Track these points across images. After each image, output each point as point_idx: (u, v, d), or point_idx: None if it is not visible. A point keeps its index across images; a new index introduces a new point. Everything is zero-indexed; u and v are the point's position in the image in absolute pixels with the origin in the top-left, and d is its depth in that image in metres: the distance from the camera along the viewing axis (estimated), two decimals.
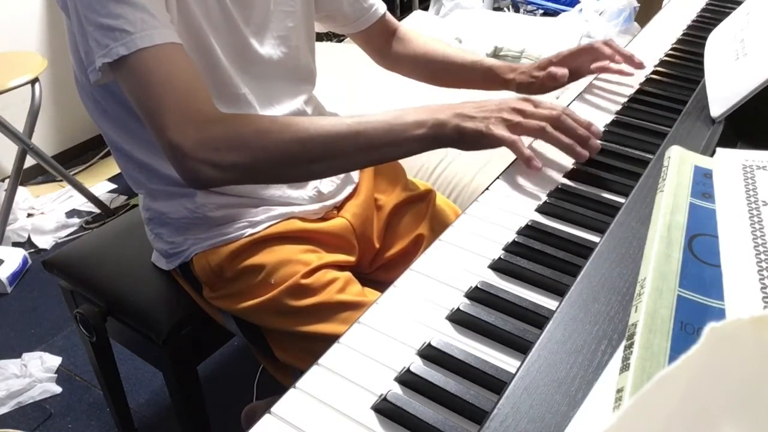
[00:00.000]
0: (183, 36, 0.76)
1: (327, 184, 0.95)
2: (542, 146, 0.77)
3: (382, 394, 0.49)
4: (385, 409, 0.49)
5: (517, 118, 0.73)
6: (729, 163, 0.54)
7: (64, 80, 2.31)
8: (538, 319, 0.55)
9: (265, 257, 0.85)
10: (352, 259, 0.92)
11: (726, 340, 0.24)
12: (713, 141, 0.71)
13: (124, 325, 1.01)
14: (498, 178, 0.76)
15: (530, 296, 0.58)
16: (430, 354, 0.53)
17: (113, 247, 1.09)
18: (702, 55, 0.90)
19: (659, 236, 0.47)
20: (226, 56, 0.83)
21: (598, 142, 0.75)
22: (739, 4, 0.94)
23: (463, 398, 0.48)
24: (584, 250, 0.62)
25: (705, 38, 0.94)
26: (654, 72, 0.97)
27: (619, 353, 0.43)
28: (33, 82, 1.93)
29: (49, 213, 2.15)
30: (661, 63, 1.00)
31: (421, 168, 1.47)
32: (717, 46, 0.88)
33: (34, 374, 1.54)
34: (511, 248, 0.64)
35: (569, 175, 0.75)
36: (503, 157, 0.75)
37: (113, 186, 2.31)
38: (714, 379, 0.25)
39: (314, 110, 0.98)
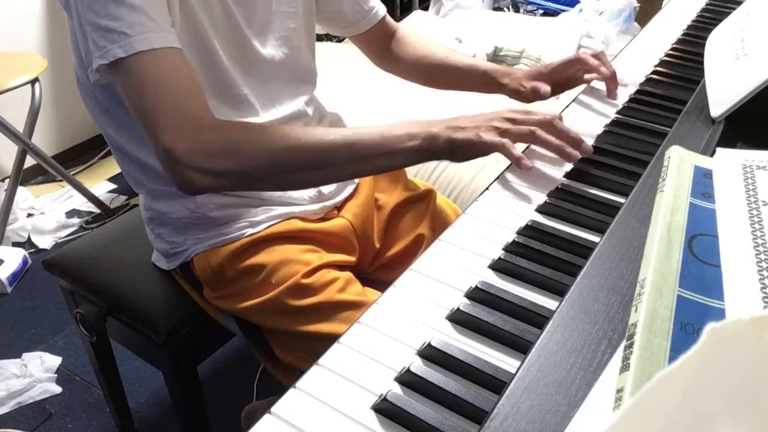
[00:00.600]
0: (185, 36, 0.77)
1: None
2: (541, 147, 0.77)
3: (382, 394, 0.49)
4: (385, 409, 0.49)
5: (507, 125, 0.74)
6: (729, 163, 0.54)
7: (64, 80, 2.31)
8: (538, 319, 0.55)
9: (266, 257, 0.85)
10: (352, 258, 0.92)
11: (726, 340, 0.24)
12: (713, 141, 0.71)
13: (124, 325, 1.01)
14: (498, 178, 0.76)
15: (530, 296, 0.58)
16: (430, 354, 0.53)
17: (113, 247, 1.08)
18: (702, 55, 0.90)
19: (659, 236, 0.47)
20: (228, 57, 0.84)
21: (590, 146, 0.76)
22: (739, 4, 0.94)
23: (463, 398, 0.48)
24: (584, 250, 0.62)
25: (705, 38, 0.94)
26: (654, 72, 0.97)
27: (619, 353, 0.43)
28: (33, 82, 1.93)
29: (49, 213, 2.15)
30: (661, 63, 1.00)
31: (421, 168, 1.47)
32: (717, 46, 0.88)
33: (34, 374, 1.54)
34: (511, 248, 0.64)
35: (569, 175, 0.75)
36: (503, 157, 0.75)
37: (113, 186, 2.31)
38: (714, 379, 0.25)
39: (315, 111, 0.98)
